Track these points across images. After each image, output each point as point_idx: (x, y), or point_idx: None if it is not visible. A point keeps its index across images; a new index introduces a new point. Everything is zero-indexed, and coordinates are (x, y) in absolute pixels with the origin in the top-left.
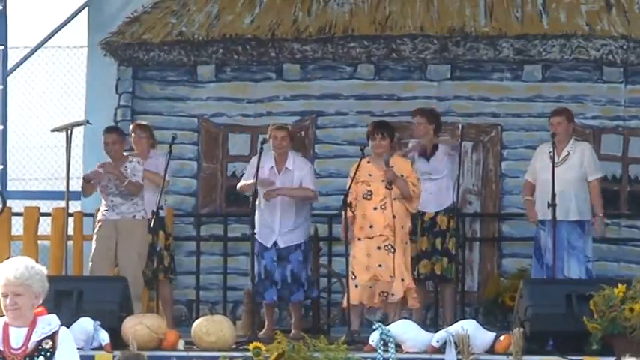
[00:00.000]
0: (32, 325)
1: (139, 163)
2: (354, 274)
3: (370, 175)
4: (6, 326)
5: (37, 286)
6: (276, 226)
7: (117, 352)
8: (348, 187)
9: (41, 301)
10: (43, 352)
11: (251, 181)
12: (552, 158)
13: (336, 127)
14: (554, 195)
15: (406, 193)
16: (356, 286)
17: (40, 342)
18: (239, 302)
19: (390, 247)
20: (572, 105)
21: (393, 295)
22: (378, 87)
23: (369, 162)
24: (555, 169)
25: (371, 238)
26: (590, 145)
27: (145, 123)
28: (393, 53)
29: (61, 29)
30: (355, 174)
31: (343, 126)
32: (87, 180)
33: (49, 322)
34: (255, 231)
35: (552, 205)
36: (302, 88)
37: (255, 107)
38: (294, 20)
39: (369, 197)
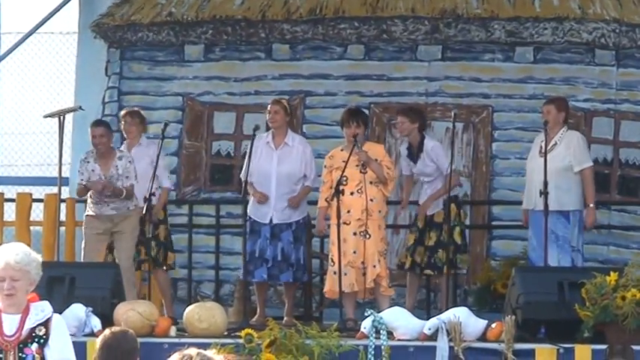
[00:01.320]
0: (25, 311)
1: (130, 162)
2: (332, 261)
3: (344, 161)
4: None
5: (33, 273)
6: (272, 200)
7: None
8: (341, 174)
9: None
10: (36, 339)
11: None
12: (542, 147)
13: (325, 108)
14: (546, 184)
15: (381, 176)
16: (334, 273)
17: (33, 329)
18: (224, 281)
19: (364, 232)
20: (564, 87)
21: (369, 282)
22: (367, 67)
23: (342, 149)
24: (541, 158)
25: (348, 223)
26: (579, 134)
27: (135, 109)
28: (384, 34)
29: (53, 15)
30: (346, 158)
31: (332, 106)
32: (87, 188)
33: (42, 309)
34: (248, 214)
35: (545, 194)
36: (291, 68)
37: (242, 86)
38: (285, 1)
39: (344, 183)
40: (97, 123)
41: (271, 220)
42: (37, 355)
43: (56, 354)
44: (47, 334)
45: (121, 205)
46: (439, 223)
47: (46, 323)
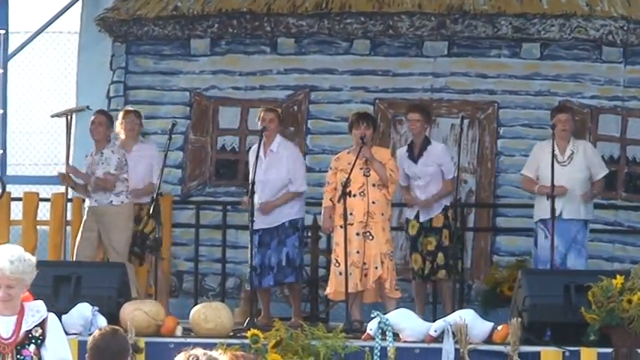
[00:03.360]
0: (20, 313)
1: (113, 152)
2: (337, 262)
3: (349, 163)
4: None
5: (28, 278)
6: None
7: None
8: (347, 176)
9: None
10: (33, 340)
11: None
12: (557, 156)
13: (330, 103)
14: (552, 187)
15: (383, 176)
16: (340, 273)
17: (29, 331)
18: (229, 275)
19: (368, 234)
20: (571, 84)
21: (370, 284)
22: (373, 63)
23: (348, 152)
24: (562, 168)
25: (351, 224)
26: (590, 143)
27: (137, 109)
28: (390, 30)
29: (61, 15)
30: (354, 161)
31: (337, 102)
32: (62, 178)
33: (38, 310)
34: (253, 218)
35: (552, 197)
36: (296, 62)
37: (247, 80)
38: None
39: (348, 184)
40: (100, 111)
41: (259, 228)
42: (34, 357)
43: (52, 353)
44: (44, 334)
45: (102, 198)
46: (438, 228)
47: (42, 324)
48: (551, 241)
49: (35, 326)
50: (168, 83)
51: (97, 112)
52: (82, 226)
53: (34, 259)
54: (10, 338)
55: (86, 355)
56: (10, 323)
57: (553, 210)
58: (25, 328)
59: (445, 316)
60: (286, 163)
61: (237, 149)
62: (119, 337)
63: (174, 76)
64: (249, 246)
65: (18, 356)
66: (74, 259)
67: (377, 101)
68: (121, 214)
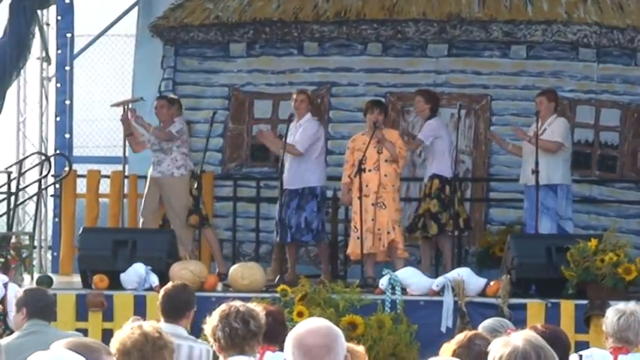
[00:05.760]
0: None
1: (182, 127)
2: (355, 228)
3: (364, 143)
4: None
5: None
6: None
7: (168, 284)
8: (362, 155)
9: None
10: None
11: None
12: (535, 133)
13: (348, 96)
14: (537, 163)
15: (393, 154)
16: (357, 238)
17: None
18: (262, 242)
19: (382, 204)
20: (552, 80)
21: (383, 246)
22: (385, 62)
23: (363, 134)
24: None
25: (367, 196)
26: (564, 119)
27: (172, 96)
28: (399, 34)
29: (118, 20)
30: (367, 141)
31: (354, 95)
32: (125, 126)
33: None
34: (285, 187)
35: (536, 172)
36: (319, 62)
37: (278, 78)
38: (314, 6)
39: (364, 162)
40: (160, 97)
41: (285, 189)
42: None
43: None
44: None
45: (165, 168)
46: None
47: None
48: (535, 210)
49: None
50: (210, 80)
51: (158, 98)
52: (145, 195)
53: None
54: None
55: (158, 303)
56: None
57: (537, 182)
58: None
59: (448, 271)
60: (299, 130)
61: None
62: (188, 289)
63: (215, 74)
64: (280, 206)
65: None
66: (140, 218)
67: (388, 95)
68: (183, 185)
